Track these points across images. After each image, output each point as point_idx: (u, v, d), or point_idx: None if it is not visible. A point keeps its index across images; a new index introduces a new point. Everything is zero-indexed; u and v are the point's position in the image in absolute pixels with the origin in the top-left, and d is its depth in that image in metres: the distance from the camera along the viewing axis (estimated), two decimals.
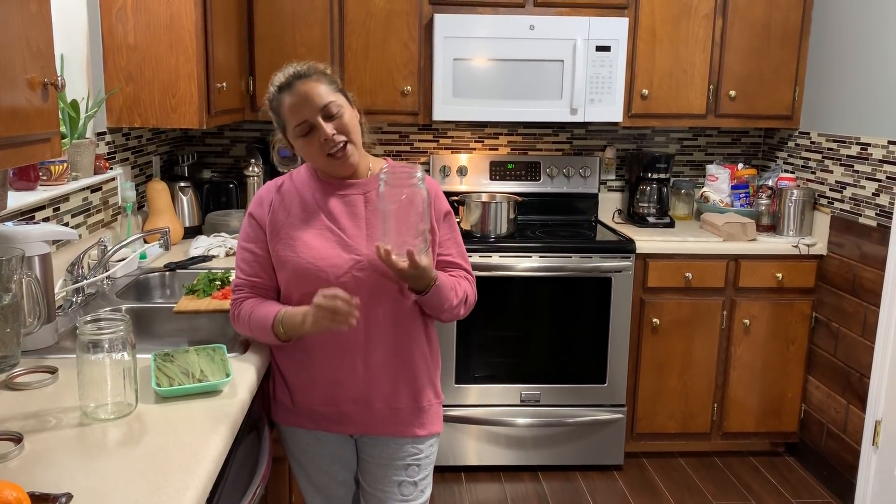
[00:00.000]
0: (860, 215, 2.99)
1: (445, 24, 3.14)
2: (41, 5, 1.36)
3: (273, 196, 1.74)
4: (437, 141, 3.68)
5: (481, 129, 3.69)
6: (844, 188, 3.11)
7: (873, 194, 2.92)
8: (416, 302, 1.69)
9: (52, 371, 1.58)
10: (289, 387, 1.77)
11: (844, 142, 3.11)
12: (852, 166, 3.06)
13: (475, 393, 3.17)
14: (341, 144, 1.64)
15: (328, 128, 1.62)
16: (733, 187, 3.52)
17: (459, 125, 3.67)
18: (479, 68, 3.19)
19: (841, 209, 3.12)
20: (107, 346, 1.38)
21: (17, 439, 1.27)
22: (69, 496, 1.07)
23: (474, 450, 3.20)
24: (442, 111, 3.21)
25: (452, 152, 3.68)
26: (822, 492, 3.13)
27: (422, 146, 3.68)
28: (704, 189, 3.60)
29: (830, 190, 3.21)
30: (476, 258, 3.05)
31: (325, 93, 1.64)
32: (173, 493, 1.13)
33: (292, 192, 1.73)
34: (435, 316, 1.75)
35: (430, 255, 1.58)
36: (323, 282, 1.63)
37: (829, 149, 3.22)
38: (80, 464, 1.21)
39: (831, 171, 3.21)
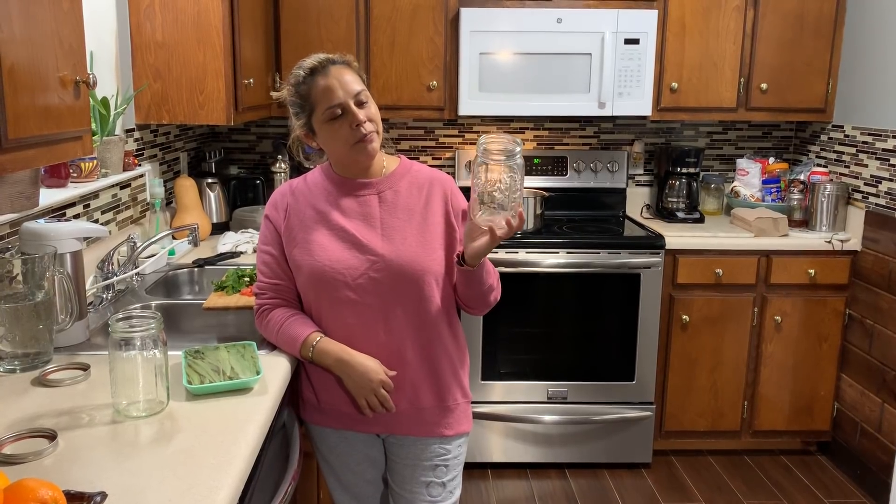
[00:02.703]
0: None
1: (472, 18, 3.11)
2: (73, 3, 1.36)
3: (288, 199, 1.73)
4: (463, 136, 3.66)
5: (507, 124, 3.66)
6: (880, 182, 3.04)
7: None
8: (458, 283, 1.68)
9: (85, 368, 1.58)
10: (314, 386, 1.76)
11: (880, 135, 3.05)
12: (888, 160, 2.99)
13: (501, 390, 3.15)
14: (370, 132, 1.63)
15: (360, 114, 1.62)
16: (764, 182, 3.46)
17: (485, 120, 3.64)
18: (506, 62, 3.16)
19: (876, 204, 3.05)
20: (138, 343, 1.38)
21: (52, 436, 1.27)
22: (104, 495, 1.07)
23: (501, 447, 3.18)
24: (468, 106, 3.19)
25: None
26: (856, 492, 3.07)
27: (447, 141, 3.66)
28: (735, 184, 3.54)
29: (865, 184, 3.14)
30: (502, 254, 3.03)
31: (358, 81, 1.65)
32: (206, 493, 1.12)
33: (306, 194, 1.72)
34: (472, 299, 1.72)
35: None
36: (340, 284, 1.63)
37: (864, 142, 3.15)
38: (113, 462, 1.21)
39: (866, 165, 3.14)
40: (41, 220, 1.79)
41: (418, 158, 3.51)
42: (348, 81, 1.63)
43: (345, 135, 1.63)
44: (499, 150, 1.52)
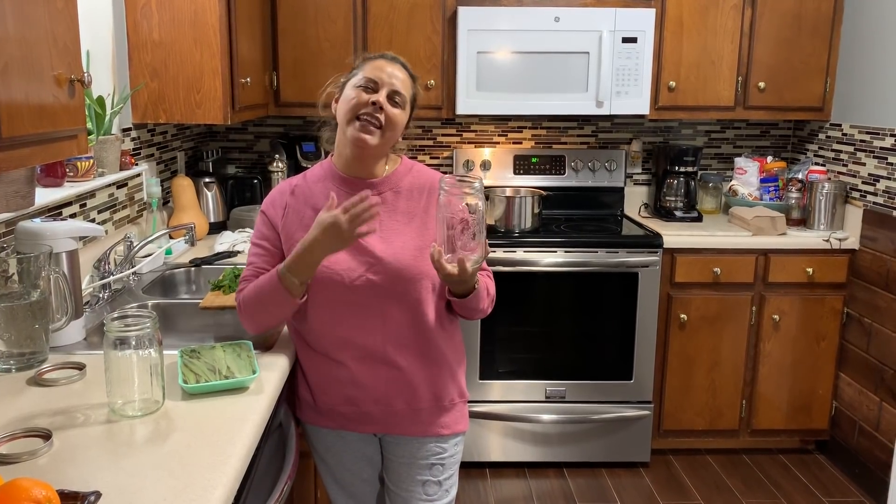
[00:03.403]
0: (894, 209, 2.92)
1: (469, 16, 3.11)
2: (67, 2, 1.36)
3: (287, 199, 1.72)
4: (461, 135, 3.65)
5: (505, 123, 3.66)
6: (878, 181, 3.04)
7: None
8: (452, 303, 1.69)
9: (80, 367, 1.58)
10: (311, 386, 1.76)
11: (878, 133, 3.04)
12: (886, 158, 2.99)
13: (500, 389, 3.15)
14: (377, 122, 1.63)
15: (384, 100, 1.63)
16: (762, 180, 3.46)
17: (483, 119, 3.64)
18: (504, 61, 3.16)
19: (874, 202, 3.05)
20: (134, 342, 1.38)
21: (46, 436, 1.27)
22: (98, 494, 1.07)
23: (499, 446, 3.18)
24: (466, 105, 3.19)
25: (476, 146, 3.65)
26: (854, 490, 3.07)
27: (445, 140, 3.65)
28: (733, 182, 3.54)
29: (863, 183, 3.14)
30: (500, 253, 3.02)
31: (406, 88, 1.68)
32: (201, 492, 1.12)
33: (307, 193, 1.72)
34: (465, 315, 1.73)
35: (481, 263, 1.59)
36: (338, 285, 1.62)
37: (862, 141, 3.15)
38: (108, 461, 1.21)
39: (864, 164, 3.14)
40: (37, 220, 1.78)
41: (416, 158, 3.51)
42: (399, 77, 1.67)
43: (357, 103, 1.63)
44: (469, 185, 1.53)
